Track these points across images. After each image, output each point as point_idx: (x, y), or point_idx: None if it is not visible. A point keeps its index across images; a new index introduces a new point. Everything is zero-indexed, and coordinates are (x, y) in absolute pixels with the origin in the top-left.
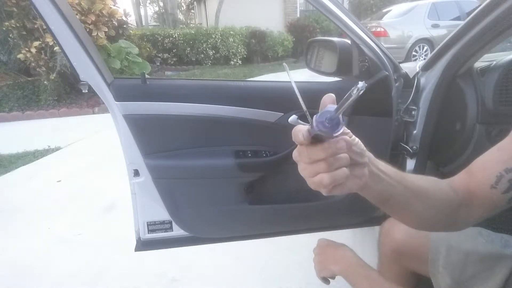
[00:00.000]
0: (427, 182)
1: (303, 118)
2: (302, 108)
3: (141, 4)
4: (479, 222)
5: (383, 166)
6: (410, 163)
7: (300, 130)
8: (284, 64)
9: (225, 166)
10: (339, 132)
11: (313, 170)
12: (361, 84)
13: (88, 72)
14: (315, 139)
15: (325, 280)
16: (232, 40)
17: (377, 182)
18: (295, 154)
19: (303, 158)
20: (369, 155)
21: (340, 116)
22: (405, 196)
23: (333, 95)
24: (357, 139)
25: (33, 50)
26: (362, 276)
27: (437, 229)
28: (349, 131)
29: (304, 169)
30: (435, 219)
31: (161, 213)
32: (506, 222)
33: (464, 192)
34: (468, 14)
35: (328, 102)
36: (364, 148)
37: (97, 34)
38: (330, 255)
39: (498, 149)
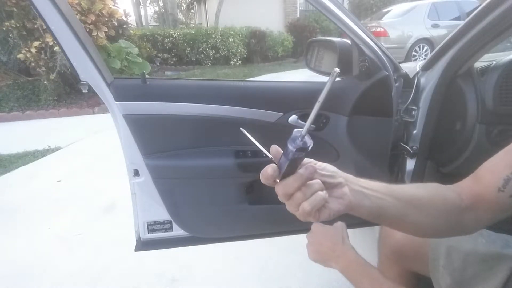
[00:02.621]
0: (422, 189)
1: (303, 118)
2: (302, 108)
3: (141, 4)
4: (488, 226)
5: (366, 183)
6: (410, 163)
7: (267, 171)
8: (242, 129)
9: (225, 166)
10: (311, 144)
11: (294, 204)
12: (337, 69)
13: (88, 72)
14: (285, 176)
15: None
16: (232, 40)
17: (363, 199)
18: (280, 198)
19: (284, 197)
20: (346, 175)
21: (306, 136)
22: (398, 208)
23: (276, 146)
24: (324, 164)
25: (33, 50)
26: (363, 275)
27: (442, 235)
28: (311, 160)
29: (289, 206)
30: (436, 226)
31: (161, 213)
32: (506, 222)
33: (470, 196)
34: (468, 14)
35: (275, 151)
36: (335, 170)
37: (97, 34)
38: (328, 250)
39: (505, 152)
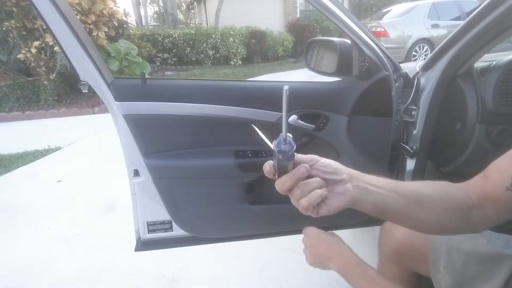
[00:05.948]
0: (430, 187)
1: (303, 118)
2: (302, 108)
3: (141, 4)
4: (496, 225)
5: (371, 179)
6: (410, 163)
7: (265, 167)
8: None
9: (225, 166)
10: (294, 148)
11: (294, 198)
12: (286, 86)
13: (88, 72)
14: (281, 172)
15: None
16: (232, 40)
17: (366, 195)
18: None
19: (282, 193)
20: (351, 171)
21: (291, 139)
22: (402, 204)
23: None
24: (328, 160)
25: (33, 50)
26: (360, 275)
27: (448, 232)
28: (315, 156)
29: (291, 201)
30: (443, 223)
31: (161, 213)
32: (507, 222)
33: (478, 195)
34: (468, 14)
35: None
36: (339, 167)
37: (97, 34)
38: (325, 250)
39: None
